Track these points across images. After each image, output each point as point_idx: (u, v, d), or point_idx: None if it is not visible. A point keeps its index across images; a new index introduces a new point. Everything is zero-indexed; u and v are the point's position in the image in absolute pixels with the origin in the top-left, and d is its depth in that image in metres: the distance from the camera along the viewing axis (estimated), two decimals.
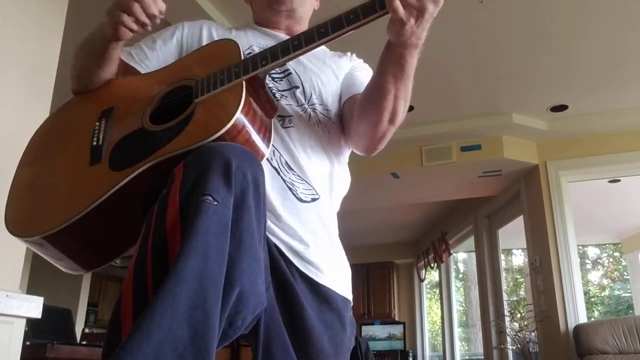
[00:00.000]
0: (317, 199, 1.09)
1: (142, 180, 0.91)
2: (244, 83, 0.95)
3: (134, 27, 1.00)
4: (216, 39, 1.22)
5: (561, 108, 4.10)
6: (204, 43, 1.21)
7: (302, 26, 1.31)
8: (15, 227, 0.98)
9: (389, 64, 0.99)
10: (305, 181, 1.08)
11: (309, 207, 1.07)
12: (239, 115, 0.90)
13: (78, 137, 1.06)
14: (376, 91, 1.04)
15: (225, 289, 0.74)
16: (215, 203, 0.75)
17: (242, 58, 1.01)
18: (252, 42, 1.22)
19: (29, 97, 1.93)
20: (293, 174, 1.07)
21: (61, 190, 0.99)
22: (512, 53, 3.39)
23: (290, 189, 1.05)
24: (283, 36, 1.26)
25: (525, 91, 3.89)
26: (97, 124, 1.05)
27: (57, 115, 1.19)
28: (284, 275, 0.99)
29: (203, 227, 0.73)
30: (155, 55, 1.20)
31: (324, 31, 0.95)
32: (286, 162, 1.07)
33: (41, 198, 1.01)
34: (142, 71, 1.17)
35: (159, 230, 0.76)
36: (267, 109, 1.01)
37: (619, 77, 3.68)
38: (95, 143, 1.01)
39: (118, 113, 1.06)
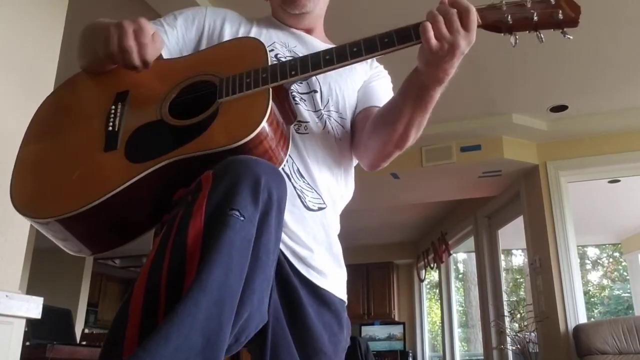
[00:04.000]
0: (324, 208, 1.09)
1: (159, 175, 0.91)
2: (270, 91, 0.94)
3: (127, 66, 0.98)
4: (240, 33, 1.20)
5: (561, 108, 4.10)
6: (226, 35, 1.19)
7: (320, 23, 1.31)
8: (25, 207, 0.96)
9: (411, 90, 1.01)
10: (315, 190, 1.08)
11: (314, 216, 1.07)
12: (264, 125, 0.89)
13: (91, 118, 1.04)
14: (392, 112, 1.05)
15: (238, 307, 0.74)
16: (242, 219, 0.75)
17: (269, 61, 1.00)
18: (274, 38, 1.21)
19: (28, 97, 1.93)
20: (303, 182, 1.07)
21: (74, 173, 0.97)
22: (512, 53, 3.38)
23: (299, 196, 1.06)
24: (305, 35, 1.25)
25: (525, 91, 3.89)
26: (113, 107, 1.03)
27: (66, 89, 1.16)
28: (288, 278, 1.00)
29: (229, 241, 0.73)
30: (174, 34, 1.18)
31: (357, 51, 0.96)
32: (298, 169, 1.07)
33: (52, 179, 0.99)
34: (164, 53, 1.14)
35: (180, 236, 0.76)
36: (288, 117, 1.01)
37: (619, 77, 3.68)
38: (110, 128, 1.00)
39: (134, 98, 1.04)
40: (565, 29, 0.95)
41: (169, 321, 0.66)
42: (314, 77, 1.15)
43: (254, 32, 1.22)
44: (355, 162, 1.23)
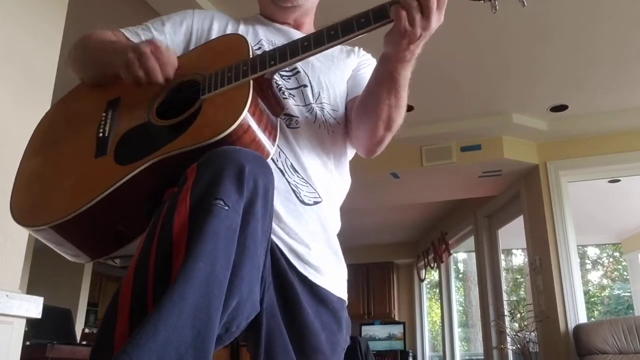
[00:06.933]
0: (320, 202, 1.09)
1: (146, 175, 0.91)
2: (251, 82, 0.95)
3: (142, 81, 1.00)
4: (227, 32, 1.21)
5: (561, 108, 4.10)
6: (213, 36, 1.20)
7: (310, 18, 1.30)
8: (22, 218, 0.99)
9: (382, 76, 1.01)
10: (309, 184, 1.08)
11: (311, 210, 1.07)
12: (245, 115, 0.90)
13: (84, 127, 1.06)
14: (370, 101, 1.06)
15: (226, 295, 0.74)
16: (227, 208, 0.75)
17: (251, 55, 1.01)
18: (260, 36, 1.21)
19: (28, 97, 1.93)
20: (298, 177, 1.07)
21: (67, 181, 0.99)
22: (512, 53, 3.39)
23: (294, 191, 1.05)
24: (292, 31, 1.25)
25: (525, 91, 3.89)
26: (104, 114, 1.05)
27: (64, 103, 1.18)
28: (285, 275, 0.99)
29: (213, 230, 0.73)
30: (162, 40, 1.18)
31: (334, 34, 0.95)
32: (291, 164, 1.07)
33: (47, 188, 1.01)
34: None
35: (166, 228, 0.76)
36: (274, 108, 1.01)
37: (619, 77, 3.68)
38: (101, 134, 1.02)
39: (124, 104, 1.06)
40: None
41: (157, 314, 0.66)
42: (302, 72, 1.15)
43: (241, 31, 1.22)
44: (350, 152, 1.23)
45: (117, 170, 0.93)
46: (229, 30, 1.22)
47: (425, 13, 0.89)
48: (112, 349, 0.69)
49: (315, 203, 1.08)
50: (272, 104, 1.00)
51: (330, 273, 1.08)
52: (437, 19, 0.91)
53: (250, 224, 0.79)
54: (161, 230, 0.76)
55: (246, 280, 0.78)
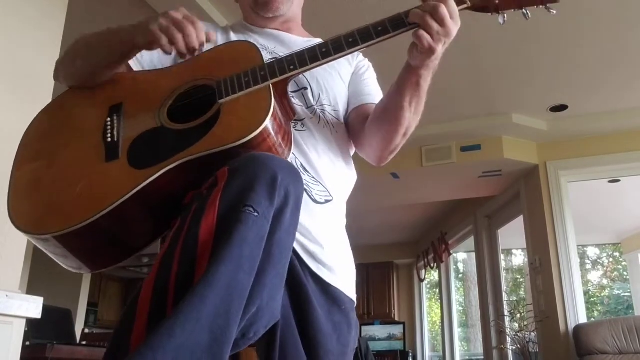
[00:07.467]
0: (331, 200, 1.10)
1: (166, 179, 0.90)
2: (271, 87, 0.95)
3: (181, 48, 0.97)
4: (219, 42, 1.20)
5: (561, 108, 4.10)
6: (205, 45, 1.18)
7: (296, 23, 1.31)
8: (27, 225, 0.94)
9: (408, 85, 1.04)
10: (320, 183, 1.09)
11: (323, 209, 1.08)
12: (268, 121, 0.90)
13: (86, 133, 1.03)
14: (393, 110, 1.08)
15: (247, 301, 0.74)
16: (256, 214, 0.75)
17: (264, 60, 1.01)
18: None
19: (28, 97, 1.93)
20: (308, 176, 1.08)
21: (77, 186, 0.95)
22: (512, 53, 3.39)
23: (306, 190, 1.05)
24: (283, 34, 1.26)
25: (525, 91, 3.89)
26: (109, 119, 1.02)
27: (56, 108, 1.15)
28: (298, 276, 1.00)
29: (241, 236, 0.73)
30: (149, 52, 1.14)
31: (353, 41, 0.97)
32: (302, 164, 1.08)
33: (55, 195, 0.97)
34: (133, 64, 1.13)
35: (193, 231, 0.76)
36: (288, 114, 1.01)
37: (619, 77, 3.68)
38: (109, 139, 0.99)
39: (129, 109, 1.04)
40: (548, 5, 1.00)
41: (174, 317, 0.66)
42: (301, 75, 1.15)
43: (233, 39, 1.22)
44: (353, 148, 1.24)
45: (136, 174, 0.91)
46: (220, 40, 1.21)
47: (440, 21, 0.94)
48: (127, 350, 0.69)
49: (327, 201, 1.09)
50: (286, 109, 1.01)
51: (343, 272, 1.09)
52: (455, 25, 0.96)
53: (277, 232, 0.79)
54: (187, 233, 0.76)
55: (268, 287, 0.78)
